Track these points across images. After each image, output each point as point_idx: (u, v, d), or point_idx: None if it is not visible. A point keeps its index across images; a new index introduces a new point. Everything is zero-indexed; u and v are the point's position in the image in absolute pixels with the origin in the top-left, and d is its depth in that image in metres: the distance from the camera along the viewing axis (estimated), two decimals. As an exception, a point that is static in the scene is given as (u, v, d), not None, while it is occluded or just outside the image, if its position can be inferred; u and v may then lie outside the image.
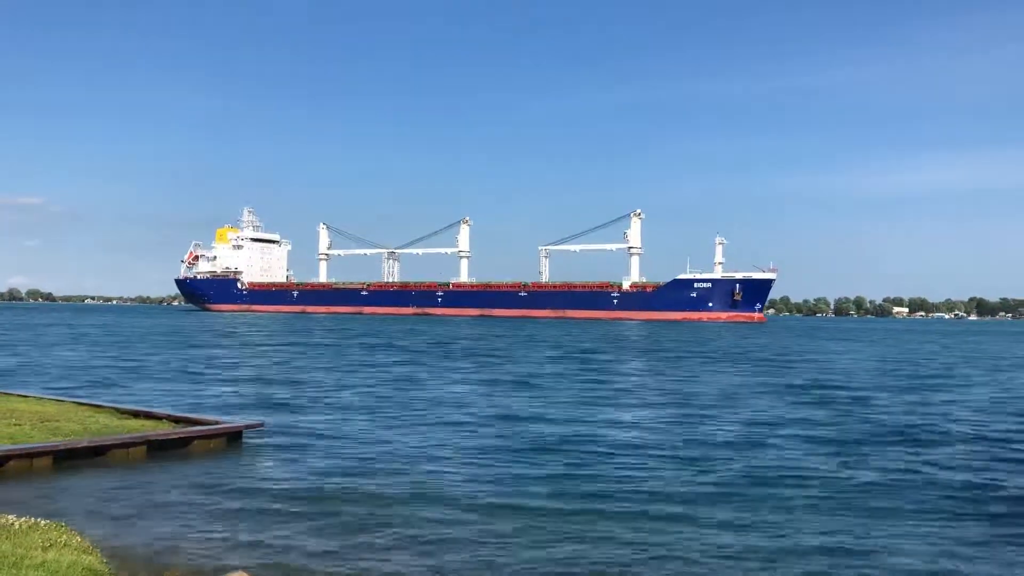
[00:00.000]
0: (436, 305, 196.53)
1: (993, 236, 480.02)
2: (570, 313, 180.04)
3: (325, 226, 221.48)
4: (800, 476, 17.69)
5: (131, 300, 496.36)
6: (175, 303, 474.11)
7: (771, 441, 22.34)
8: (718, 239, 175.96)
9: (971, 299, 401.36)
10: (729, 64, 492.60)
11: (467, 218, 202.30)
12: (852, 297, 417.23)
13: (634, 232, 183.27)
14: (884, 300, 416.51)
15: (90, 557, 10.33)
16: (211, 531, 12.98)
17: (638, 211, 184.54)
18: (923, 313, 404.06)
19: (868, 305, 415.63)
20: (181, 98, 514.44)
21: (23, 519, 11.38)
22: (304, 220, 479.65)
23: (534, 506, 14.88)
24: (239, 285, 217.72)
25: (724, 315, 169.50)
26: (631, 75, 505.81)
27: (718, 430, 24.10)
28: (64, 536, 10.89)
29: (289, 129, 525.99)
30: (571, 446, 21.16)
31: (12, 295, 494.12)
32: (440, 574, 11.33)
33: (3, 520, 11.20)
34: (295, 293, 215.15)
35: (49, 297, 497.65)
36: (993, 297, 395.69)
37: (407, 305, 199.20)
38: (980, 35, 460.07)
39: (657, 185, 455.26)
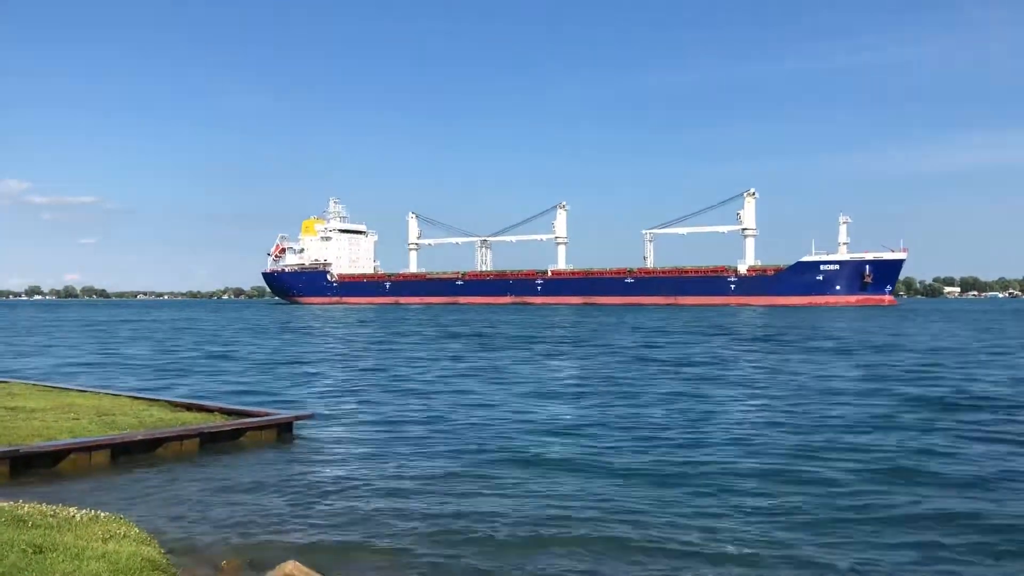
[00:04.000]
0: (535, 294, 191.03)
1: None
2: (682, 300, 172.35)
3: (414, 215, 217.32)
4: None
5: (182, 296, 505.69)
6: (225, 296, 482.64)
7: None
8: (842, 218, 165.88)
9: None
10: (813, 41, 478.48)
11: (563, 203, 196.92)
12: (901, 277, 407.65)
13: (748, 213, 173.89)
14: (934, 280, 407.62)
15: (148, 548, 10.53)
16: (263, 522, 13.15)
17: (752, 190, 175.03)
18: (975, 292, 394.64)
19: (918, 285, 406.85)
20: (238, 95, 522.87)
21: (84, 511, 11.63)
22: (387, 210, 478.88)
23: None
24: (329, 277, 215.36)
25: (853, 299, 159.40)
26: (734, 50, 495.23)
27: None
28: (123, 528, 11.10)
29: (357, 120, 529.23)
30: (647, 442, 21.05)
31: (68, 292, 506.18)
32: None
33: (65, 512, 11.47)
34: (387, 284, 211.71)
35: (103, 294, 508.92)
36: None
37: (504, 294, 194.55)
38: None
39: (756, 164, 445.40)
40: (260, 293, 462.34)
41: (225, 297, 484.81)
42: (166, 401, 23.51)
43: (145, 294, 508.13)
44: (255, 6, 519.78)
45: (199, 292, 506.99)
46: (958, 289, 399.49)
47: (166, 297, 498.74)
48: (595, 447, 19.03)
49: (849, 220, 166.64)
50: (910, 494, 14.67)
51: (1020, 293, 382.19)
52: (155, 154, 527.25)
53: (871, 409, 24.74)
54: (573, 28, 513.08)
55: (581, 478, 16.00)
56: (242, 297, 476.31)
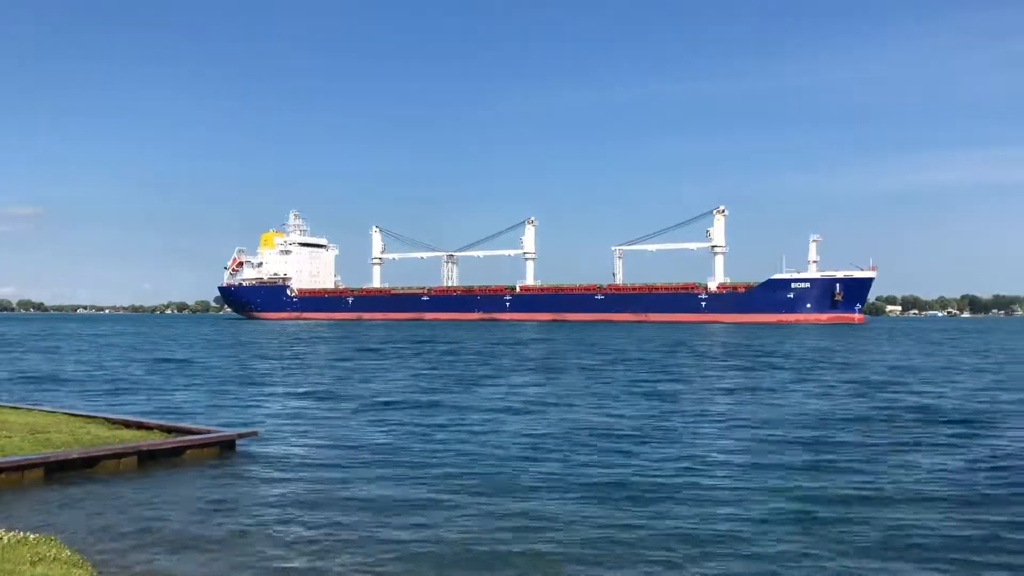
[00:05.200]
0: (504, 310, 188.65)
1: (982, 233, 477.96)
2: (652, 317, 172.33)
3: (378, 229, 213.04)
4: None
5: (125, 310, 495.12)
6: (168, 311, 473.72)
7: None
8: (812, 237, 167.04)
9: (963, 296, 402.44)
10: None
11: (532, 218, 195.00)
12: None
13: (718, 230, 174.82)
14: (877, 299, 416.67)
15: (79, 571, 10.22)
16: (201, 542, 12.85)
17: (722, 208, 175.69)
18: (916, 311, 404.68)
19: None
20: (187, 102, 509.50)
21: (11, 533, 11.24)
22: (349, 224, 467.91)
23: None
24: (288, 292, 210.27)
25: (824, 317, 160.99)
26: (703, 68, 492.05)
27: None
28: (53, 550, 10.76)
29: (317, 131, 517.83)
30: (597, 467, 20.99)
31: (3, 306, 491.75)
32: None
33: (-9, 534, 11.07)
34: (350, 300, 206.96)
35: (41, 307, 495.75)
36: (986, 294, 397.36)
37: (472, 310, 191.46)
38: (968, 34, 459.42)
39: (725, 182, 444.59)
40: (204, 308, 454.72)
41: (168, 312, 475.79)
42: (104, 418, 22.92)
43: (86, 308, 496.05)
44: (212, 9, 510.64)
45: (142, 306, 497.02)
46: (899, 308, 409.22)
47: (107, 311, 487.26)
48: (552, 473, 18.51)
49: (819, 239, 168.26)
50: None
51: (958, 312, 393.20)
52: (98, 165, 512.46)
53: None
54: (542, 41, 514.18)
55: (533, 503, 15.72)
56: (186, 311, 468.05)
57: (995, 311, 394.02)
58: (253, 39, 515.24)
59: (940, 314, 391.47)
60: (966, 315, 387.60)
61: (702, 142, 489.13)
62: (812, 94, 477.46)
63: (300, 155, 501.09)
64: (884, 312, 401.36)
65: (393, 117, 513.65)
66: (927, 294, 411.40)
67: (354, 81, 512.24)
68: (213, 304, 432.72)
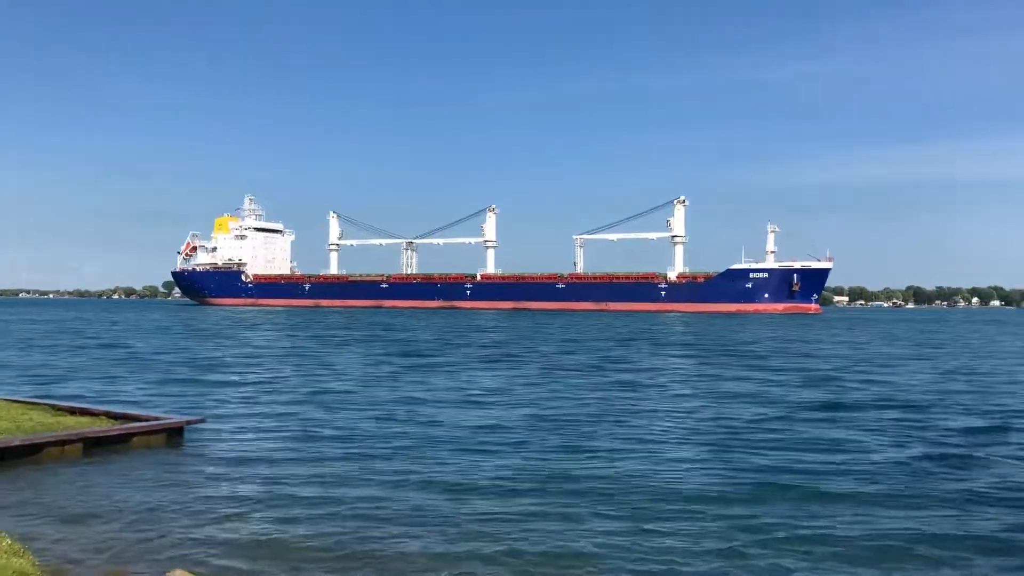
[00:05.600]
0: (464, 298, 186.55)
1: (923, 226, 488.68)
2: (613, 306, 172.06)
3: (335, 215, 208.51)
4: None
5: (69, 294, 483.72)
6: (115, 296, 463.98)
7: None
8: (770, 227, 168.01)
9: (908, 288, 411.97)
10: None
11: (493, 206, 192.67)
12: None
13: (678, 220, 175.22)
14: (825, 289, 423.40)
15: (21, 560, 9.96)
16: (149, 530, 12.63)
17: (682, 198, 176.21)
18: (863, 302, 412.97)
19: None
20: (137, 86, 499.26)
21: (-51, 522, 10.92)
22: (306, 209, 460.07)
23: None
24: (244, 278, 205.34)
25: (781, 307, 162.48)
26: (664, 61, 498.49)
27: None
28: (-7, 539, 10.47)
29: (273, 114, 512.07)
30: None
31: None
32: None
33: (-72, 523, 10.74)
34: (306, 286, 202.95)
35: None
36: (929, 286, 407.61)
37: (432, 298, 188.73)
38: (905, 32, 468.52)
39: (686, 172, 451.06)
40: (153, 293, 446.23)
41: (115, 296, 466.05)
42: (48, 404, 22.34)
43: (28, 292, 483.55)
44: (212, 8, 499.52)
45: (88, 291, 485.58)
46: (847, 298, 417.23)
47: (51, 296, 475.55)
48: (508, 465, 18.44)
49: (777, 229, 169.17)
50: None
51: (903, 303, 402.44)
52: (41, 146, 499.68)
53: None
54: (505, 29, 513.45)
55: (490, 499, 15.63)
56: (133, 296, 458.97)
57: (938, 302, 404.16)
58: (253, 39, 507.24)
59: (886, 305, 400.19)
60: (911, 306, 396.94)
61: (664, 132, 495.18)
62: (793, 89, 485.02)
63: (299, 154, 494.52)
64: (832, 302, 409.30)
65: (393, 117, 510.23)
66: (873, 285, 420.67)
67: (354, 81, 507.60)
68: (162, 290, 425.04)
